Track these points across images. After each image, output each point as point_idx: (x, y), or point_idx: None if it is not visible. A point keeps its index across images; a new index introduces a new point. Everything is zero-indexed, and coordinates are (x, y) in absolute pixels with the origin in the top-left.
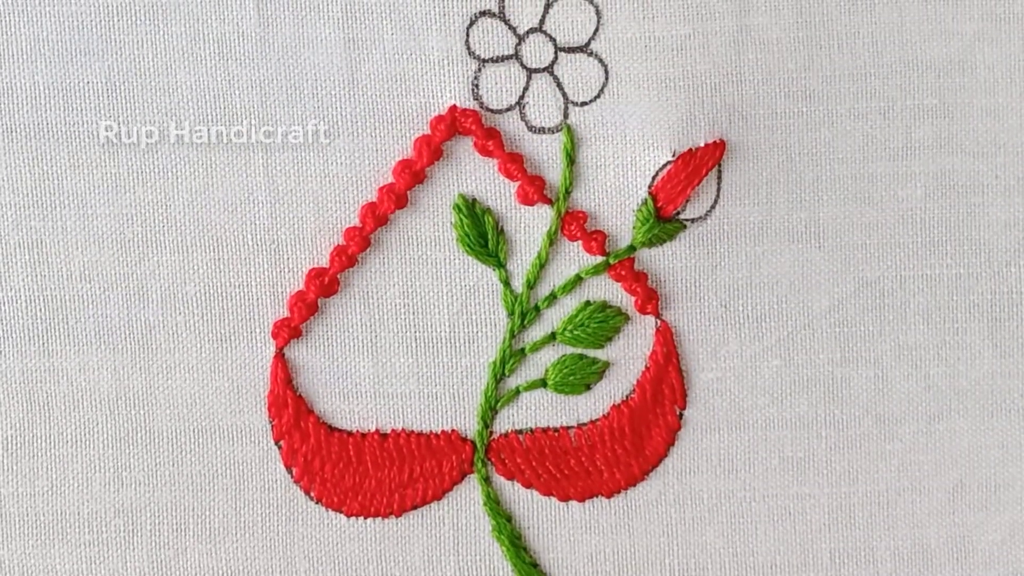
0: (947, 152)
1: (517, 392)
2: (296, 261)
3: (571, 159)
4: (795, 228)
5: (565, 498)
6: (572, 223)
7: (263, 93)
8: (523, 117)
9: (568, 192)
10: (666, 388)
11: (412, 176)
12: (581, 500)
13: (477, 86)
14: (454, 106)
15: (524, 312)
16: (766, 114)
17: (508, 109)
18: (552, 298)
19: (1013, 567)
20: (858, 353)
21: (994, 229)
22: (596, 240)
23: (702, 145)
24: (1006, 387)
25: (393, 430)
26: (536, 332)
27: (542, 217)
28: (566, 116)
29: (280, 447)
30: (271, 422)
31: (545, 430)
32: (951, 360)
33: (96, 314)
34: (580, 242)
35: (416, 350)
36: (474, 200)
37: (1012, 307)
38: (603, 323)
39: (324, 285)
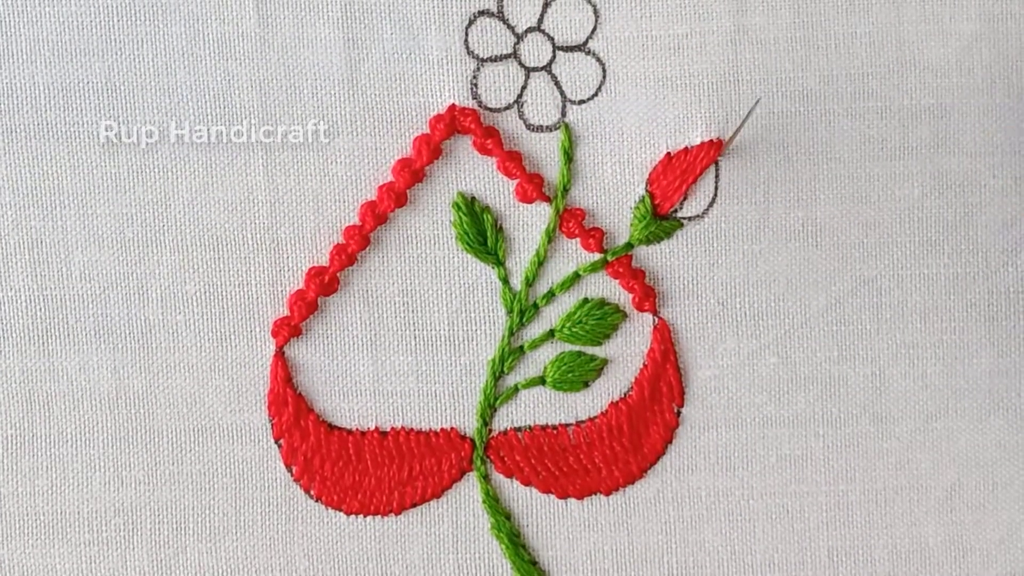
0: (944, 152)
1: (516, 390)
2: (296, 260)
3: (569, 157)
4: (793, 226)
5: (564, 496)
6: (570, 220)
7: (263, 93)
8: (521, 116)
9: (566, 190)
10: (664, 386)
11: (411, 175)
12: (580, 498)
13: (476, 85)
14: (453, 105)
15: (523, 310)
16: (763, 113)
17: (507, 108)
18: (551, 295)
19: (1011, 566)
20: (855, 351)
21: (991, 228)
22: (594, 237)
23: (698, 143)
24: (1003, 386)
25: (393, 428)
26: (535, 330)
27: (540, 215)
28: (564, 114)
29: (280, 446)
30: (271, 420)
31: (544, 428)
32: (948, 359)
33: (96, 313)
34: (578, 239)
35: (415, 348)
36: (473, 198)
37: (1009, 306)
38: (601, 320)
39: (324, 284)
